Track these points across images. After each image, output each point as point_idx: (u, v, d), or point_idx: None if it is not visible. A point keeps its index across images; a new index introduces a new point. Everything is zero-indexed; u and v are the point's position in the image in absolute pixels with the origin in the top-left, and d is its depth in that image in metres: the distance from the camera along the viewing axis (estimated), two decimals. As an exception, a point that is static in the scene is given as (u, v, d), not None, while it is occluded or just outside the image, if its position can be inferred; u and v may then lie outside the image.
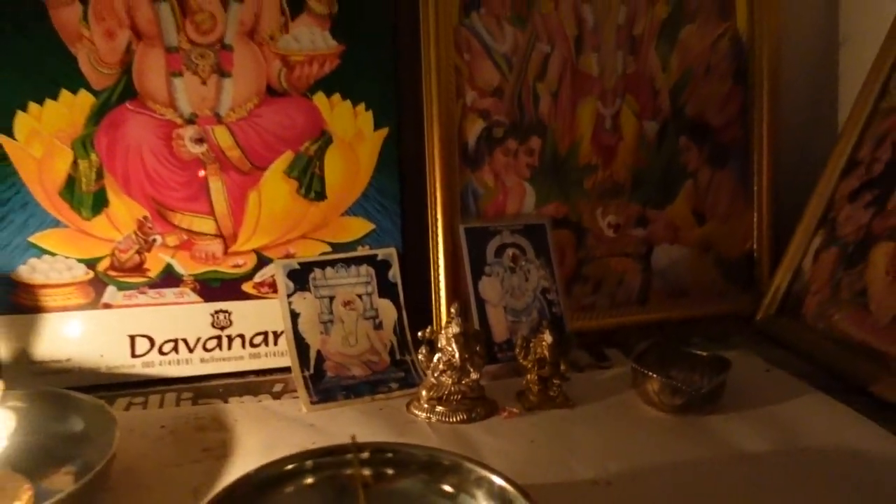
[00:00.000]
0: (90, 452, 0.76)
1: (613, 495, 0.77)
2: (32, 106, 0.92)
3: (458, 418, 0.90)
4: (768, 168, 1.22)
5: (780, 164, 1.23)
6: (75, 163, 0.94)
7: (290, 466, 0.66)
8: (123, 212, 0.96)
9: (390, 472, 0.68)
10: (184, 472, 0.78)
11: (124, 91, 0.94)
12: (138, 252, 0.97)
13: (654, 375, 0.92)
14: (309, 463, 0.67)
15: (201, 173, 0.98)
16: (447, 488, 0.68)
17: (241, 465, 0.78)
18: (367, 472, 0.67)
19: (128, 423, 0.85)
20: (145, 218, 0.97)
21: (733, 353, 1.01)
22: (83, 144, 0.94)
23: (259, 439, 0.85)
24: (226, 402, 0.93)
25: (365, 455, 0.67)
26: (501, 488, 0.66)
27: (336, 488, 0.67)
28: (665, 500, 0.77)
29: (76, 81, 0.92)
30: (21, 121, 0.92)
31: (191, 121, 0.97)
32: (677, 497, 0.77)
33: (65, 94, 0.92)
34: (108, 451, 0.72)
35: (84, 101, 0.93)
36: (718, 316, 1.19)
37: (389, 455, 0.69)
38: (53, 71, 0.92)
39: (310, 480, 0.66)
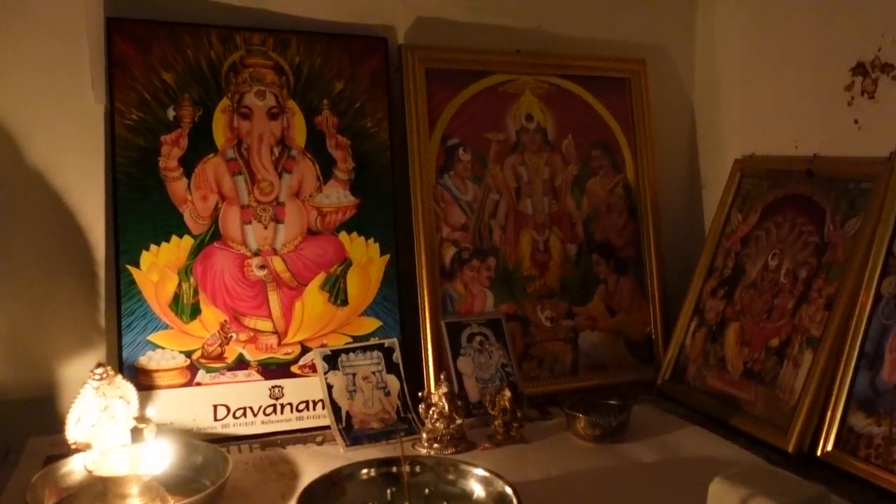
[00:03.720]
0: (211, 476, 1.13)
1: (554, 490, 1.18)
2: (153, 246, 1.33)
3: (449, 451, 1.29)
4: (658, 275, 1.64)
5: (665, 271, 1.66)
6: (180, 285, 1.34)
7: (358, 469, 1.07)
8: (211, 317, 1.35)
9: (419, 469, 1.08)
10: (271, 487, 1.16)
11: (213, 235, 1.36)
12: (220, 345, 1.36)
13: (581, 415, 1.34)
14: (367, 465, 1.07)
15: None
16: (452, 477, 1.08)
17: (307, 482, 1.16)
18: (407, 469, 1.06)
19: None
20: (226, 321, 1.36)
21: (639, 406, 1.44)
22: (185, 272, 1.35)
23: (315, 468, 1.21)
24: (284, 448, 1.31)
25: (406, 461, 1.07)
26: (486, 477, 1.07)
27: (386, 481, 1.07)
28: (590, 494, 1.17)
29: (182, 229, 1.34)
30: (145, 257, 1.32)
31: (256, 253, 1.39)
32: (598, 492, 1.17)
33: (174, 238, 1.34)
34: (224, 475, 1.10)
35: (186, 243, 1.35)
36: (629, 382, 1.58)
37: (419, 461, 1.10)
38: (167, 223, 1.34)
39: (372, 473, 1.06)
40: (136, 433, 1.10)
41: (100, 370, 1.10)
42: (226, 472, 1.09)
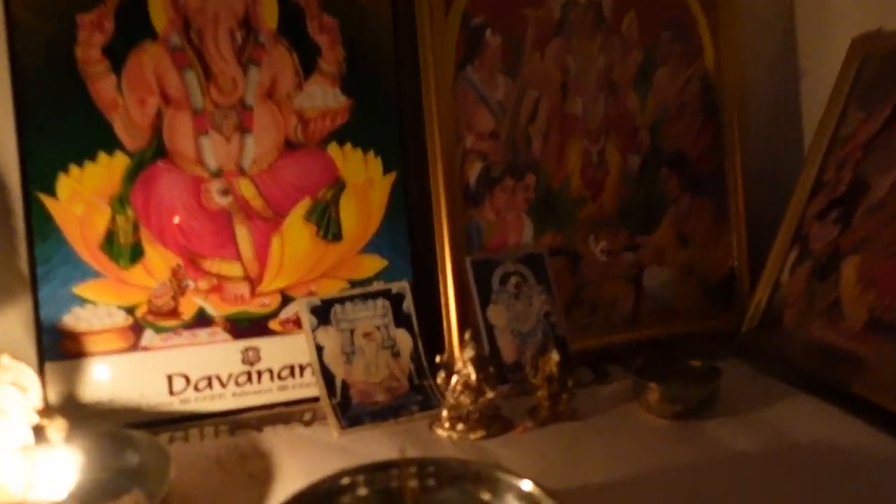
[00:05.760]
0: (148, 485, 0.82)
1: (623, 498, 0.85)
2: (73, 168, 1.00)
3: (478, 435, 0.98)
4: (742, 192, 1.30)
5: (753, 189, 1.32)
6: (113, 219, 1.01)
7: (346, 480, 0.73)
8: (158, 261, 1.03)
9: (433, 483, 0.76)
10: (235, 496, 0.85)
11: (156, 151, 1.02)
12: (173, 297, 1.04)
13: (654, 386, 1.00)
14: (362, 477, 0.74)
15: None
16: (484, 496, 0.75)
17: (285, 487, 0.84)
18: (414, 483, 0.74)
19: (176, 454, 0.90)
20: (178, 265, 1.04)
21: (722, 363, 1.09)
22: (120, 201, 1.01)
23: (297, 464, 0.91)
24: (260, 431, 1.00)
25: (412, 469, 0.75)
26: (531, 493, 0.74)
27: (386, 499, 0.74)
28: (669, 501, 0.85)
29: (112, 145, 1.01)
30: (63, 182, 0.99)
31: (217, 175, 1.05)
32: (679, 497, 0.85)
33: (102, 156, 1.00)
34: (165, 482, 0.79)
35: (120, 162, 1.01)
36: (705, 332, 1.26)
37: (431, 468, 0.77)
38: (91, 136, 1.00)
39: (364, 492, 0.74)
40: (40, 433, 0.79)
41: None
42: (164, 482, 0.78)
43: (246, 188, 1.06)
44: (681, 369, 1.07)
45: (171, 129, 1.03)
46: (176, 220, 1.03)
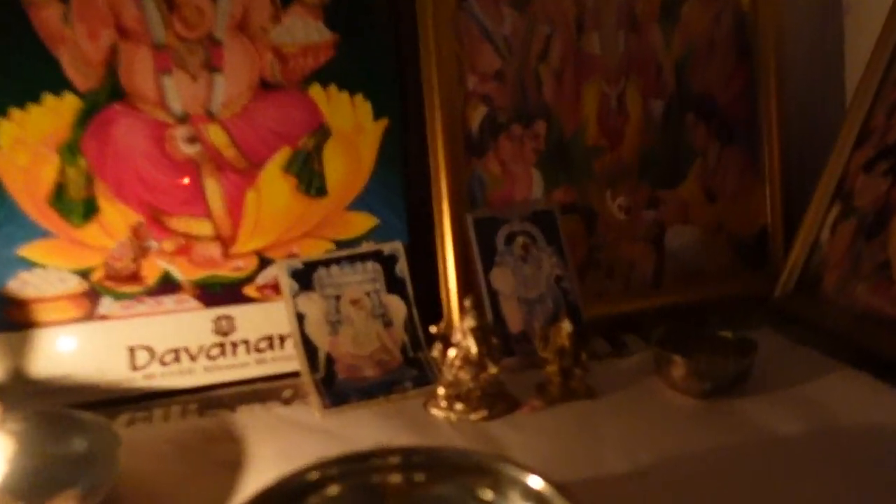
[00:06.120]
0: (96, 474, 0.71)
1: (649, 487, 0.74)
2: (14, 112, 0.86)
3: (480, 416, 0.86)
4: (778, 142, 1.18)
5: (790, 138, 1.19)
6: (63, 170, 0.89)
7: (314, 476, 0.61)
8: (116, 218, 0.91)
9: (423, 477, 0.64)
10: (198, 487, 0.74)
11: (111, 93, 0.89)
12: (133, 260, 0.92)
13: (680, 359, 0.88)
14: (334, 471, 0.62)
15: (185, 181, 0.93)
16: (484, 492, 0.63)
17: (257, 477, 0.74)
18: (398, 478, 0.62)
19: (133, 440, 0.79)
20: (139, 223, 0.92)
21: (754, 333, 0.98)
22: (70, 150, 0.89)
23: (272, 449, 0.80)
24: (234, 411, 0.89)
25: (395, 460, 0.63)
26: (538, 489, 0.62)
27: (365, 497, 0.62)
28: (702, 489, 0.74)
29: (60, 84, 0.87)
30: (3, 128, 0.86)
31: (183, 120, 0.92)
32: (714, 484, 0.74)
33: (48, 97, 0.87)
34: (112, 473, 0.67)
35: (69, 105, 0.88)
36: (734, 297, 1.15)
37: (420, 459, 0.65)
38: (35, 74, 0.87)
39: (335, 490, 0.62)
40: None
41: None
42: (110, 473, 0.66)
43: (216, 135, 0.93)
44: (710, 340, 0.95)
45: (128, 67, 0.90)
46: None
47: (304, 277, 0.94)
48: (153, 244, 0.93)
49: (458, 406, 0.87)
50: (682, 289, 1.14)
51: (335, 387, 0.90)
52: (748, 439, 0.81)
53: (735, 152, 1.17)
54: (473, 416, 0.86)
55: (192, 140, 0.93)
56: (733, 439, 0.81)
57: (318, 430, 0.84)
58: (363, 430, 0.84)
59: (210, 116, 0.93)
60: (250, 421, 0.86)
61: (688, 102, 1.14)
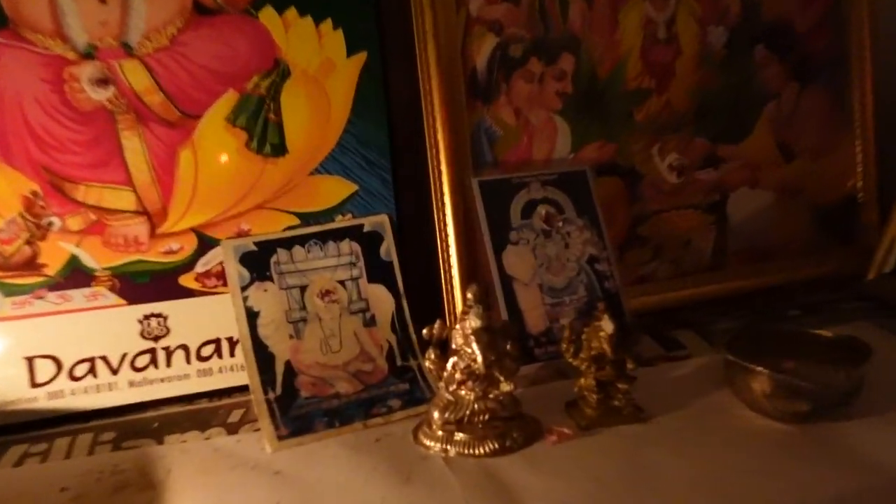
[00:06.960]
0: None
1: None
2: None
3: (487, 449, 0.68)
4: (871, 82, 1.03)
5: (886, 80, 1.04)
6: (-73, 122, 0.69)
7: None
8: (3, 187, 0.72)
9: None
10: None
11: (-10, 18, 0.69)
12: (29, 242, 0.74)
13: (763, 370, 0.67)
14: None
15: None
16: None
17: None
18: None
19: (17, 485, 0.63)
20: (34, 194, 0.74)
21: (848, 327, 0.81)
22: (-64, 96, 0.69)
23: (199, 500, 0.59)
24: (160, 442, 0.70)
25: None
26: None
27: None
28: None
29: (-82, 6, 0.68)
30: None
31: (89, 55, 0.72)
32: None
33: None
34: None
35: (-69, 35, 0.68)
36: (816, 280, 1.01)
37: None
38: None
39: None
40: None
41: None
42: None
43: (135, 76, 0.74)
44: (800, 341, 0.75)
45: (12, -15, 0.70)
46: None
47: (258, 262, 0.78)
48: (54, 221, 0.74)
49: (459, 436, 0.68)
50: (750, 271, 1.00)
51: (295, 409, 0.72)
52: (862, 481, 0.62)
53: (817, 96, 1.02)
54: (479, 451, 0.67)
55: (103, 82, 0.74)
56: (842, 480, 0.62)
57: (267, 471, 0.65)
58: (327, 471, 0.65)
59: (126, 51, 0.74)
60: (178, 457, 0.68)
61: (756, 31, 0.98)
